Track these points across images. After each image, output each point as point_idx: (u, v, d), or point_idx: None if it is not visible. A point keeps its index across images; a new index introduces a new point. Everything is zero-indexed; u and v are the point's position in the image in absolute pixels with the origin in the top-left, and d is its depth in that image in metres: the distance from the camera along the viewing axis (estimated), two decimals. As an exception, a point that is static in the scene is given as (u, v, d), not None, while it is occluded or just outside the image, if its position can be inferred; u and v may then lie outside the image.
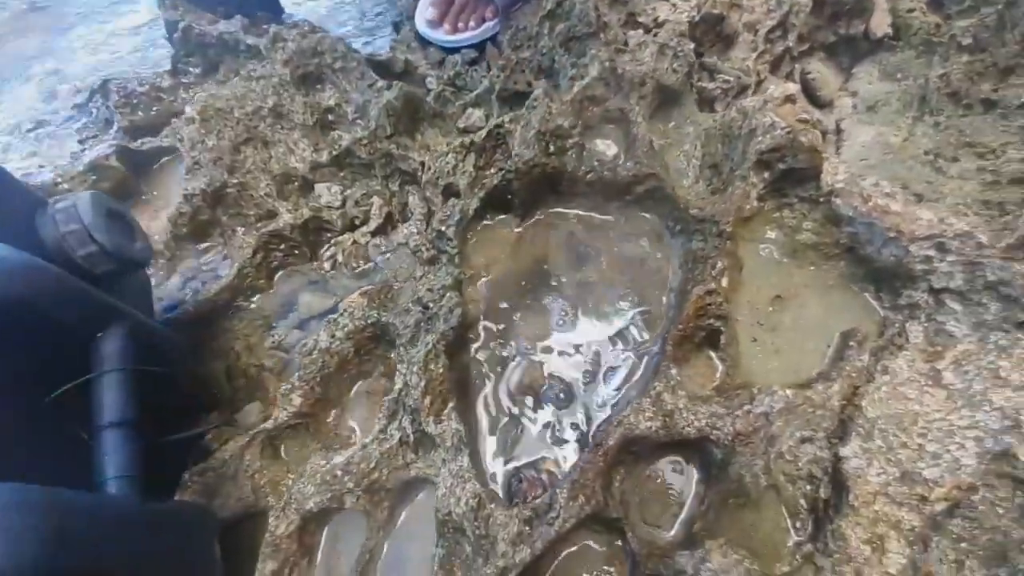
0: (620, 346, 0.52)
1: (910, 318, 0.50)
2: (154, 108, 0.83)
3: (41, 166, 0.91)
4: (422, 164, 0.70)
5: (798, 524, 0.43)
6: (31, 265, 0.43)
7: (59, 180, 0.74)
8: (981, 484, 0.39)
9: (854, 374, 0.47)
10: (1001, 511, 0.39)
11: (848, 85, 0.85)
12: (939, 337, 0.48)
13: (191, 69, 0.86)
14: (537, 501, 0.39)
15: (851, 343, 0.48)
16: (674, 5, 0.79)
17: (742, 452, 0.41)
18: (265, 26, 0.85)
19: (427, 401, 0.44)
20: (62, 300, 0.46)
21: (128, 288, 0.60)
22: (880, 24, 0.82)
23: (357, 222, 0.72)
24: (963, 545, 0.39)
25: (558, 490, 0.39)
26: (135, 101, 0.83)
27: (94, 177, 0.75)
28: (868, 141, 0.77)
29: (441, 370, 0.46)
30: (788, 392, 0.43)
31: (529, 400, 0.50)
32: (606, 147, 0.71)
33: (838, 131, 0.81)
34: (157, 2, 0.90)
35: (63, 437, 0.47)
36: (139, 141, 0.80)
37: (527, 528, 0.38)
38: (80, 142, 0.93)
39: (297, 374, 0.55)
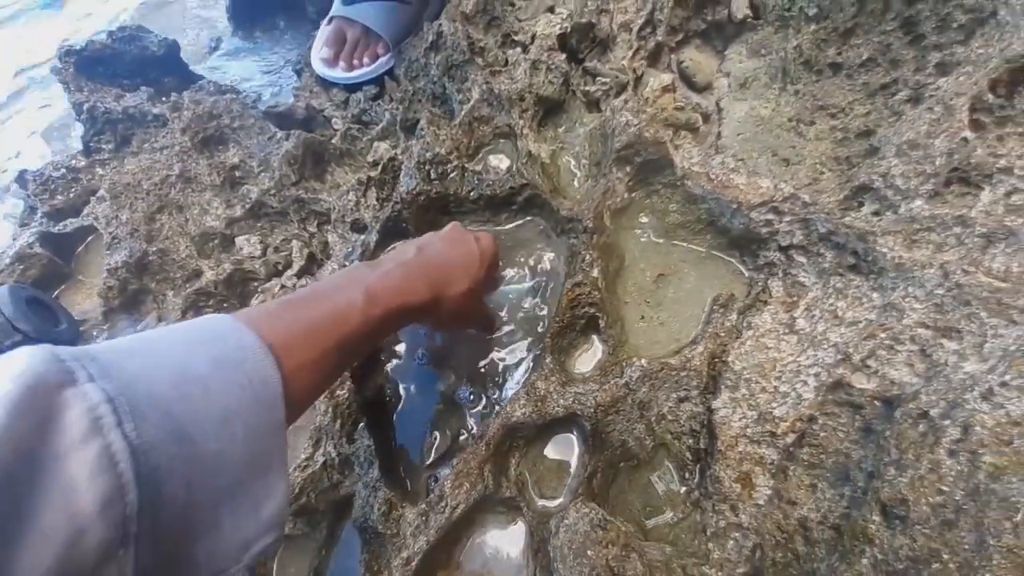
0: (521, 345, 0.58)
1: (770, 275, 0.57)
2: (72, 190, 0.87)
3: None
4: (332, 204, 0.76)
5: (686, 475, 0.49)
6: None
7: (-14, 274, 0.78)
8: (820, 414, 0.46)
9: (722, 333, 0.53)
10: (842, 435, 0.45)
11: (722, 67, 0.93)
12: (794, 288, 0.55)
13: (103, 146, 0.90)
14: (432, 495, 0.44)
15: (716, 306, 0.54)
16: (549, 19, 0.86)
17: (613, 420, 0.47)
18: (172, 93, 0.90)
19: (337, 425, 0.50)
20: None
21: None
22: (739, 7, 0.90)
23: (280, 267, 0.78)
24: (815, 470, 0.45)
25: (444, 481, 0.44)
26: (52, 186, 0.87)
27: (21, 267, 0.79)
28: (743, 116, 0.85)
29: (347, 394, 0.52)
30: (643, 361, 0.49)
31: (444, 404, 0.55)
32: (499, 162, 0.78)
33: (719, 110, 0.89)
34: (62, 86, 0.95)
35: None
36: (61, 224, 0.84)
37: (423, 519, 0.43)
38: (13, 237, 0.96)
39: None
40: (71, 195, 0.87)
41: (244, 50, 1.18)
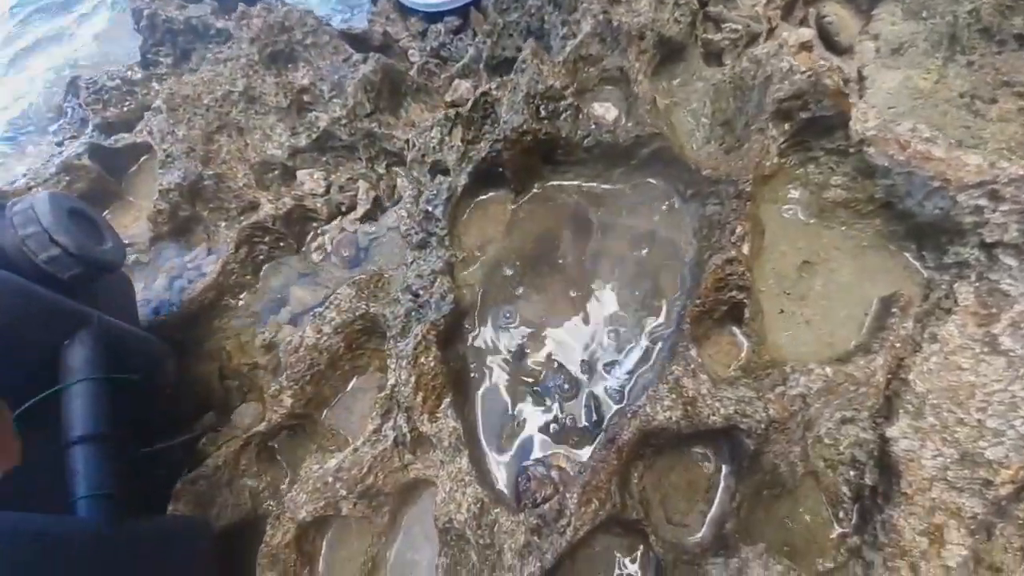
0: (631, 328, 0.46)
1: (958, 278, 0.44)
2: (127, 103, 0.78)
3: (25, 173, 0.86)
4: (407, 142, 0.64)
5: (841, 514, 0.38)
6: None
7: (32, 184, 0.70)
8: (1056, 463, 0.33)
9: (898, 344, 0.41)
10: (1078, 492, 0.33)
11: (869, 28, 0.76)
12: (993, 297, 0.42)
13: (162, 59, 0.80)
14: (546, 506, 0.34)
15: (893, 309, 0.42)
16: (673, -51, 0.71)
17: (776, 440, 0.36)
18: (240, 6, 0.78)
19: (419, 398, 0.40)
20: (19, 310, 0.41)
21: (105, 292, 0.56)
22: (903, -45, 0.73)
23: (344, 208, 0.67)
24: (1035, 533, 0.33)
25: (568, 494, 0.34)
26: (106, 97, 0.77)
27: (67, 178, 0.70)
28: (895, 87, 0.69)
29: (433, 363, 0.41)
30: (828, 370, 0.37)
31: (533, 392, 0.45)
32: (604, 111, 0.64)
33: (860, 78, 0.72)
34: (123, -11, 0.84)
35: (40, 452, 0.44)
36: (112, 138, 0.74)
37: (536, 538, 0.33)
38: (58, 144, 0.88)
39: (285, 374, 0.50)
40: (124, 108, 0.78)
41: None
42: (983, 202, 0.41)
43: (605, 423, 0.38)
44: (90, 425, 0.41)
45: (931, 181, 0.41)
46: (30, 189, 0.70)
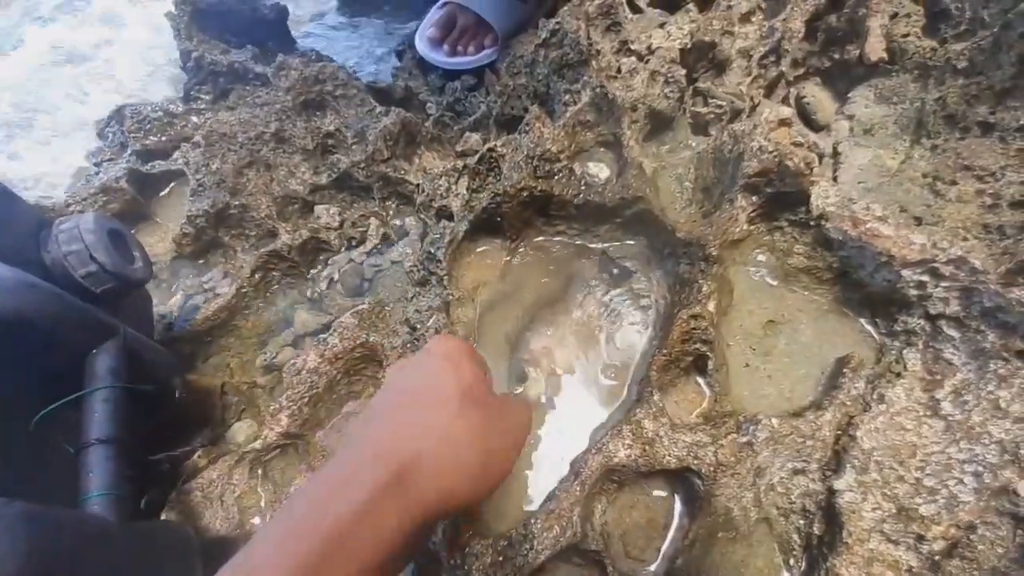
0: (605, 375, 0.51)
1: (907, 344, 0.48)
2: (166, 133, 0.86)
3: (54, 184, 0.95)
4: (418, 186, 0.71)
5: (791, 561, 0.41)
6: (27, 283, 0.45)
7: (70, 202, 0.77)
8: (979, 522, 0.37)
9: (848, 402, 0.45)
10: (1000, 551, 0.36)
11: (844, 109, 0.84)
12: (938, 365, 0.47)
13: (203, 96, 0.89)
14: (513, 532, 0.38)
15: (845, 370, 0.46)
16: (667, 33, 0.80)
17: (727, 484, 0.39)
18: (274, 56, 0.88)
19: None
20: (57, 317, 0.46)
21: (128, 306, 0.61)
22: (875, 49, 0.82)
23: (354, 242, 0.73)
24: (964, 588, 0.36)
25: (534, 519, 0.38)
26: (148, 126, 0.86)
27: (104, 199, 0.77)
28: (866, 164, 0.76)
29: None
30: (774, 421, 0.41)
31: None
32: (599, 170, 0.71)
33: (835, 154, 0.80)
34: (173, 32, 0.95)
35: (55, 453, 0.48)
36: (149, 164, 0.82)
37: (500, 559, 0.36)
38: (96, 164, 0.96)
39: (285, 394, 0.54)
40: (163, 138, 0.86)
41: (345, 27, 1.17)
42: (925, 278, 0.46)
43: (572, 459, 0.42)
44: (108, 429, 0.45)
45: (879, 256, 0.47)
46: (68, 206, 0.77)
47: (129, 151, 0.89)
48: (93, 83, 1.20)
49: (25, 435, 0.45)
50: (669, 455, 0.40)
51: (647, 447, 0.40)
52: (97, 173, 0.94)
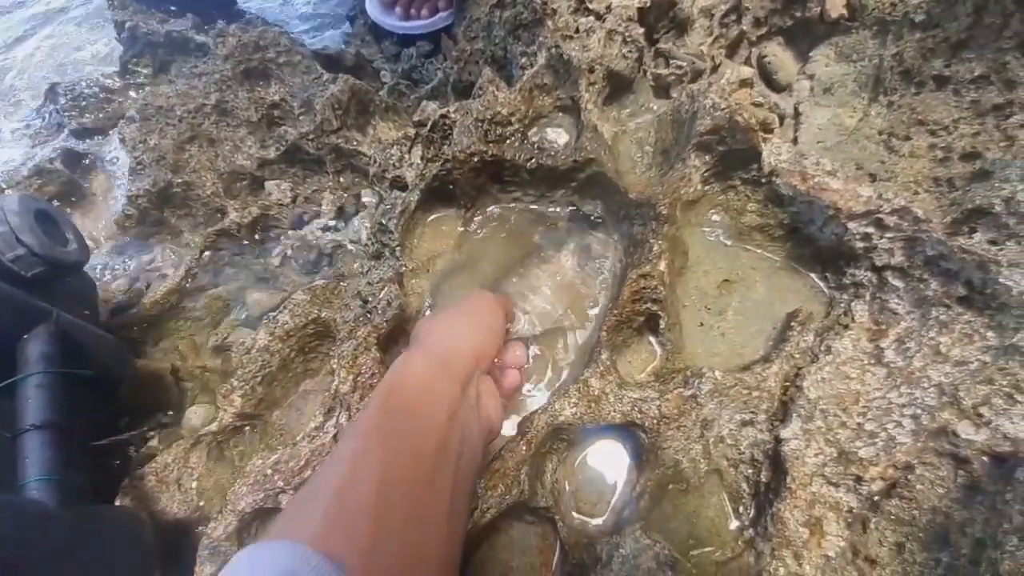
0: (563, 340, 0.51)
1: (855, 297, 0.49)
2: (103, 110, 0.81)
3: None
4: (372, 158, 0.69)
5: (740, 509, 0.42)
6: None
7: (3, 186, 0.72)
8: (918, 462, 0.38)
9: (797, 355, 0.46)
10: (941, 491, 0.38)
11: (805, 68, 0.84)
12: (883, 315, 0.47)
13: (141, 70, 0.84)
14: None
15: (794, 323, 0.47)
16: (627, -9, 0.78)
17: (672, 436, 0.40)
18: (219, 23, 0.83)
19: (357, 396, 0.43)
20: (-23, 304, 0.44)
21: (66, 290, 0.58)
22: (835, 5, 0.81)
23: (307, 218, 0.71)
24: (903, 528, 0.38)
25: (479, 479, 0.38)
26: (83, 104, 0.81)
27: (39, 181, 0.73)
28: (824, 123, 0.76)
29: (370, 363, 0.45)
30: (717, 374, 0.42)
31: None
32: (557, 135, 0.70)
33: (796, 114, 0.80)
34: (107, 2, 0.88)
35: None
36: (86, 142, 0.78)
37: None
38: (32, 146, 0.91)
39: (236, 374, 0.53)
40: (101, 115, 0.81)
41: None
42: (871, 230, 0.46)
43: (520, 419, 0.42)
44: (42, 415, 0.43)
45: (827, 210, 0.47)
46: (2, 191, 0.73)
47: (66, 131, 0.84)
48: (26, 61, 1.12)
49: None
50: (614, 411, 0.40)
51: (592, 404, 0.40)
52: (34, 155, 0.89)
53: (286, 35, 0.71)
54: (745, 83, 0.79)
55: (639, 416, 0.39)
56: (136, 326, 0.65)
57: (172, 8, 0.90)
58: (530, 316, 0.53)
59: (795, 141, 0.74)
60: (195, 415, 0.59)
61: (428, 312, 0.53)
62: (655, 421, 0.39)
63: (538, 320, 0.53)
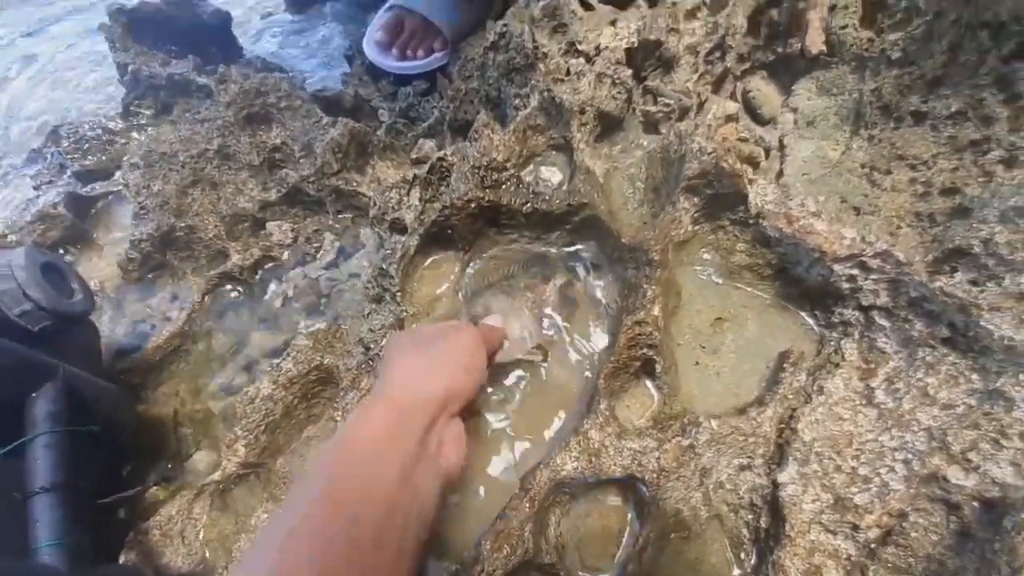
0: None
1: (844, 335, 0.50)
2: (106, 152, 0.82)
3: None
4: (371, 199, 0.70)
5: (742, 555, 0.43)
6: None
7: (7, 232, 0.73)
8: (911, 509, 0.39)
9: (790, 396, 0.46)
10: (935, 538, 0.38)
11: (789, 101, 0.86)
12: (872, 354, 0.48)
13: (143, 111, 0.85)
14: (464, 553, 0.38)
15: (786, 364, 0.47)
16: (615, 32, 0.80)
17: (672, 487, 0.40)
18: (220, 64, 0.84)
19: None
20: (-10, 365, 0.44)
21: (70, 340, 0.59)
22: (815, 42, 0.84)
23: (308, 258, 0.72)
24: (900, 575, 0.38)
25: (483, 540, 0.38)
26: (86, 146, 0.82)
27: (43, 226, 0.73)
28: (809, 156, 0.78)
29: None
30: (713, 423, 0.42)
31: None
32: (551, 175, 0.71)
33: (781, 147, 0.82)
34: (108, 45, 0.90)
35: (1, 501, 0.45)
36: (89, 186, 0.78)
37: (452, 582, 0.37)
38: (35, 188, 0.91)
39: (240, 423, 0.53)
40: (103, 158, 0.82)
41: (294, 30, 1.13)
42: (855, 272, 0.48)
43: (523, 475, 0.42)
44: (51, 476, 0.43)
45: (812, 252, 0.48)
46: (5, 236, 0.73)
47: (68, 172, 0.85)
48: (29, 101, 1.13)
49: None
50: (615, 465, 0.40)
51: (593, 458, 0.40)
52: (37, 197, 0.89)
53: (287, 80, 0.73)
54: (731, 118, 0.81)
55: (639, 469, 0.40)
56: (137, 371, 0.65)
57: (173, 48, 0.92)
58: (511, 343, 0.53)
59: (781, 173, 0.76)
60: (200, 461, 0.59)
61: (404, 331, 0.51)
62: (655, 474, 0.40)
63: (517, 349, 0.53)
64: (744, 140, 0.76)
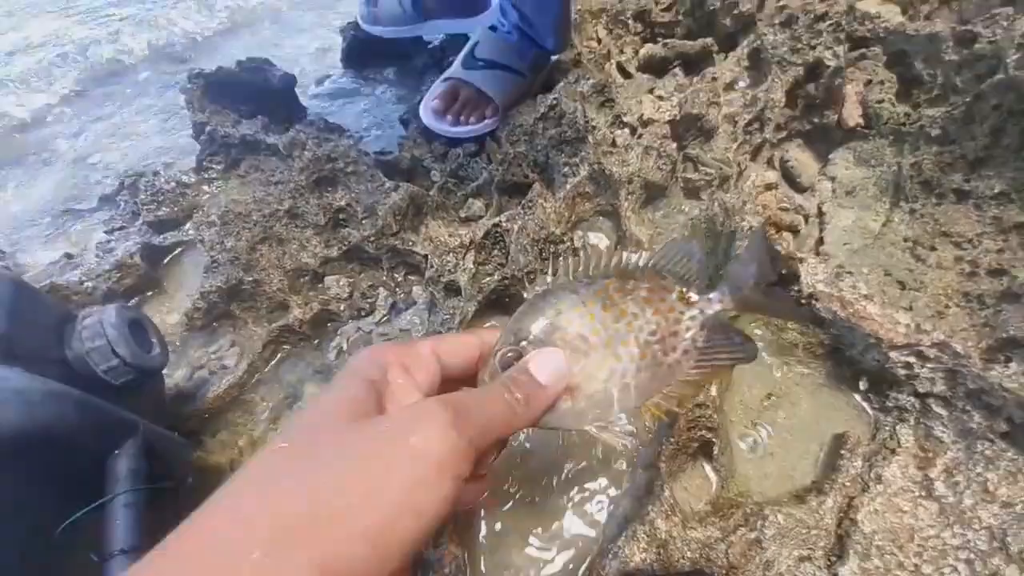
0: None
1: (899, 420, 0.50)
2: (178, 204, 0.88)
3: (68, 254, 0.95)
4: (425, 257, 0.74)
5: (803, 649, 0.42)
6: (52, 394, 0.45)
7: (84, 279, 0.78)
8: (980, 613, 0.38)
9: (848, 483, 0.47)
10: (1001, 643, 0.38)
11: (826, 170, 0.89)
12: (929, 442, 0.49)
13: (214, 166, 0.92)
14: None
15: (843, 451, 0.48)
16: (657, 104, 0.84)
17: (738, 580, 0.41)
18: (284, 125, 0.91)
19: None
20: (81, 424, 0.47)
21: (143, 391, 0.62)
22: (851, 115, 0.87)
23: (363, 313, 0.75)
24: None
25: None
26: (161, 198, 0.88)
27: (119, 275, 0.79)
28: (849, 225, 0.79)
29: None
30: (779, 517, 0.43)
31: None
32: (598, 240, 0.74)
33: (820, 214, 0.84)
34: (185, 104, 0.98)
35: (78, 561, 0.47)
36: (162, 236, 0.84)
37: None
38: (107, 232, 0.98)
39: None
40: (176, 209, 0.88)
41: (350, 91, 1.21)
42: (912, 359, 0.48)
43: (585, 564, 0.43)
44: (132, 539, 0.45)
45: (867, 338, 0.49)
46: (82, 283, 0.79)
47: (141, 221, 0.91)
48: (104, 151, 1.22)
49: (48, 544, 0.45)
50: (683, 558, 0.41)
51: (661, 549, 0.41)
52: (109, 242, 0.95)
53: (354, 147, 0.78)
54: (770, 186, 0.84)
55: (707, 564, 0.41)
56: (196, 418, 0.68)
57: (242, 109, 0.99)
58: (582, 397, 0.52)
59: (821, 241, 0.78)
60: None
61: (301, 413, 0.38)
62: (723, 570, 0.40)
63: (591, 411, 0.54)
64: (785, 209, 0.78)
